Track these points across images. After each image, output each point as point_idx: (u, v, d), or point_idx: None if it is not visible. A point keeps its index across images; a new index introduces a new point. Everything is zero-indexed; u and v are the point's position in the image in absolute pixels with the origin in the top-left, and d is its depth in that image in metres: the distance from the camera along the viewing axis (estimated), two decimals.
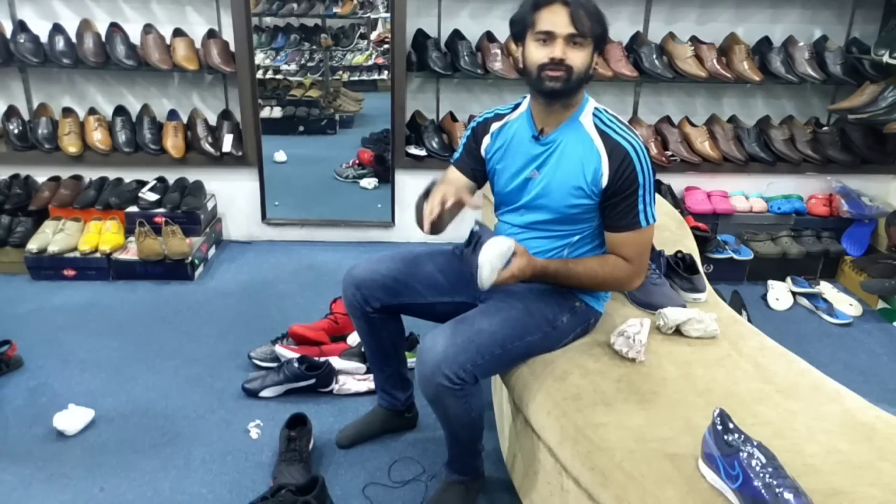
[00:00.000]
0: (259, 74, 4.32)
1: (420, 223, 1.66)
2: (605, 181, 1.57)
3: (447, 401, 1.53)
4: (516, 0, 1.63)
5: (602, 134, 1.59)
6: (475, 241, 1.53)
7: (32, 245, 3.01)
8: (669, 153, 3.35)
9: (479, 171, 1.80)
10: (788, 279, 3.14)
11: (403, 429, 2.11)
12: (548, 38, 1.53)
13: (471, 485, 1.79)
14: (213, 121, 3.40)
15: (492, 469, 1.94)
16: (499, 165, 1.73)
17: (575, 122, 1.62)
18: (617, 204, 1.58)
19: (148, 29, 3.16)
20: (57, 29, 3.11)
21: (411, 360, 2.37)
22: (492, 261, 1.47)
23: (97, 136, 3.23)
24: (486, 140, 1.75)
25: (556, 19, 1.51)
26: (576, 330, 1.70)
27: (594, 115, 1.63)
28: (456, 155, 1.84)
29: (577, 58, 1.54)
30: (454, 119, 3.42)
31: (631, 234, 1.60)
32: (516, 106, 1.75)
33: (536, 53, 1.55)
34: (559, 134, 1.63)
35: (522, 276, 1.54)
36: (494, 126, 1.75)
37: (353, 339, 2.49)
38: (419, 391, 2.21)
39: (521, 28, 1.59)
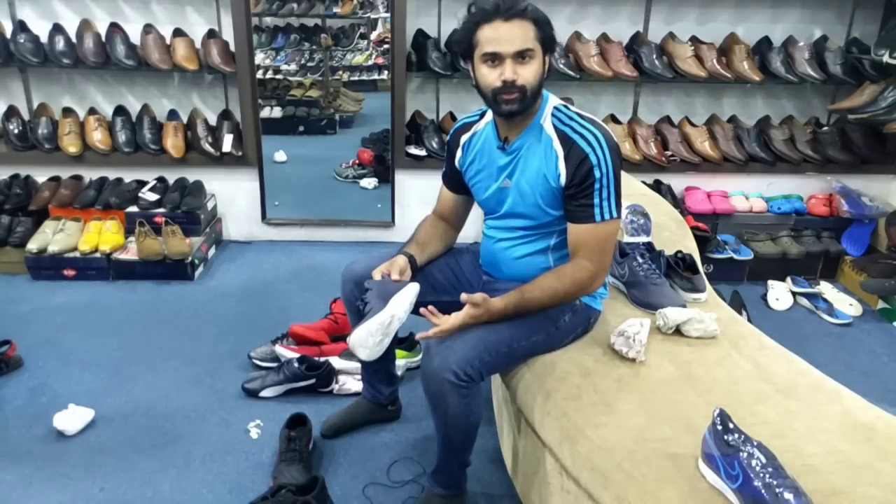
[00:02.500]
0: (259, 74, 4.32)
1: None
2: (563, 179, 1.57)
3: (450, 398, 1.52)
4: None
5: (560, 133, 1.58)
6: (364, 304, 1.58)
7: (32, 245, 3.01)
8: (669, 153, 3.35)
9: (460, 185, 1.83)
10: (788, 279, 3.14)
11: (386, 420, 2.14)
12: (495, 58, 1.52)
13: (453, 500, 1.78)
14: (213, 121, 3.40)
15: (492, 469, 1.95)
16: (474, 177, 1.75)
17: (536, 127, 1.61)
18: (573, 197, 1.57)
19: (148, 29, 3.16)
20: (57, 29, 3.11)
21: (412, 360, 2.38)
22: (363, 341, 1.53)
23: (97, 136, 3.23)
24: (459, 153, 1.78)
25: (500, 38, 1.50)
26: (577, 329, 1.70)
27: (553, 114, 1.61)
28: (443, 169, 1.87)
29: (529, 73, 1.52)
30: (454, 119, 3.42)
31: (587, 228, 1.57)
32: (484, 113, 1.74)
33: (488, 76, 1.54)
34: (522, 141, 1.63)
35: (478, 323, 1.55)
36: (464, 138, 1.76)
37: None
38: (403, 387, 2.23)
39: (466, 48, 1.57)
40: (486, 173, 1.71)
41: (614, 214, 1.57)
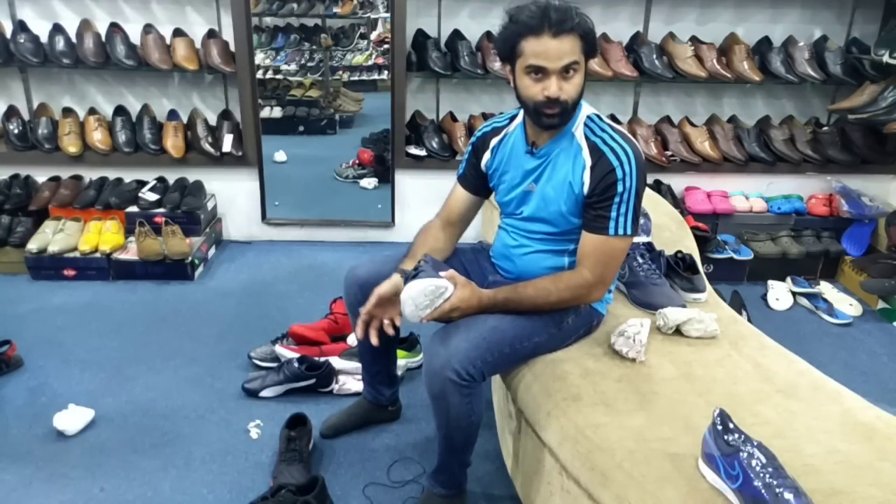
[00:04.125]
0: (259, 74, 4.32)
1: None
2: (586, 188, 1.57)
3: (452, 398, 1.52)
4: (516, 0, 1.61)
5: (590, 144, 1.58)
6: (412, 275, 1.55)
7: (32, 245, 3.01)
8: (669, 153, 3.35)
9: (482, 186, 1.82)
10: (788, 279, 3.14)
11: (386, 421, 2.14)
12: (540, 73, 1.49)
13: (453, 501, 1.78)
14: (213, 121, 3.40)
15: (492, 469, 1.95)
16: (500, 179, 1.75)
17: (567, 134, 1.61)
18: (592, 205, 1.58)
19: (148, 29, 3.16)
20: (57, 29, 3.11)
21: (412, 360, 2.38)
22: (414, 298, 1.50)
23: (97, 136, 3.23)
24: (487, 156, 1.77)
25: (547, 52, 1.46)
26: (579, 331, 1.70)
27: (586, 123, 1.61)
28: (460, 170, 1.85)
29: (572, 87, 1.51)
30: (454, 119, 3.42)
31: (598, 239, 1.57)
32: (513, 117, 1.75)
33: (531, 88, 1.52)
34: (551, 147, 1.63)
35: (467, 308, 1.55)
36: (493, 141, 1.75)
37: (353, 339, 2.49)
38: (403, 387, 2.23)
39: (508, 53, 1.53)
40: (511, 175, 1.71)
41: (628, 231, 1.56)
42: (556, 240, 1.69)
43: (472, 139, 1.81)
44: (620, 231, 1.56)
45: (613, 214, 1.55)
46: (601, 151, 1.56)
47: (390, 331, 1.66)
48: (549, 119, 1.54)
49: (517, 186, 1.70)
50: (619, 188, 1.54)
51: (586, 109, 1.63)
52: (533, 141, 1.66)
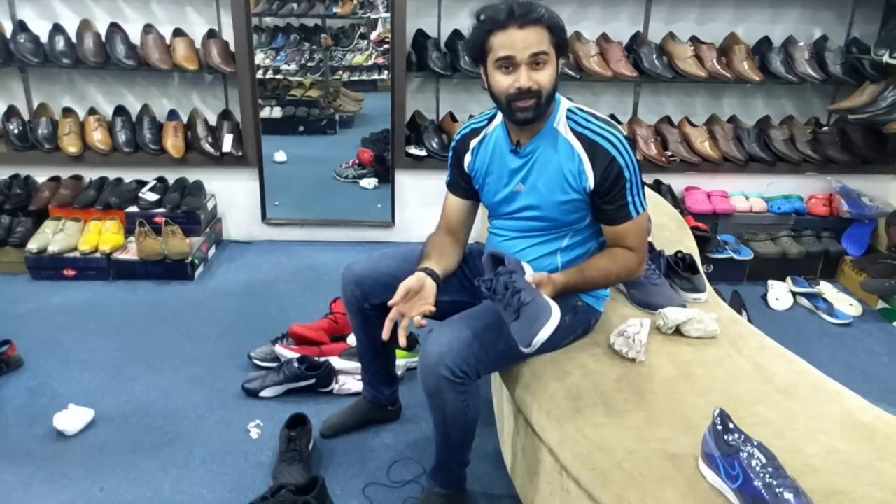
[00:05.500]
0: (259, 74, 4.32)
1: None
2: (591, 183, 1.57)
3: (447, 395, 1.52)
4: (485, 2, 1.59)
5: (579, 136, 1.58)
6: (515, 291, 1.43)
7: (32, 245, 3.01)
8: (669, 153, 3.35)
9: (471, 189, 1.79)
10: (788, 279, 3.14)
11: (386, 421, 2.14)
12: (509, 63, 1.50)
13: (452, 500, 1.78)
14: (213, 121, 3.40)
15: (492, 469, 1.95)
16: (484, 181, 1.73)
17: (550, 130, 1.61)
18: (608, 201, 1.59)
19: (148, 29, 3.16)
20: (57, 29, 3.11)
21: (412, 360, 2.38)
22: (541, 342, 1.39)
23: (97, 136, 3.23)
24: (468, 157, 1.75)
25: (514, 43, 1.48)
26: (577, 330, 1.70)
27: (568, 117, 1.60)
28: (448, 178, 1.83)
29: (544, 77, 1.51)
30: (454, 119, 3.42)
31: (627, 225, 1.61)
32: (492, 117, 1.73)
33: (502, 82, 1.52)
34: (536, 144, 1.62)
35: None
36: (473, 142, 1.74)
37: (353, 339, 2.49)
38: (403, 387, 2.23)
39: (479, 53, 1.56)
40: (495, 176, 1.70)
41: (646, 207, 1.63)
42: (548, 237, 1.68)
43: (452, 144, 1.79)
44: (640, 210, 1.61)
45: (630, 199, 1.59)
46: (594, 142, 1.56)
47: (423, 322, 1.55)
48: (523, 113, 1.53)
49: (504, 187, 1.68)
50: (627, 175, 1.56)
51: (565, 103, 1.63)
52: (517, 140, 1.65)
